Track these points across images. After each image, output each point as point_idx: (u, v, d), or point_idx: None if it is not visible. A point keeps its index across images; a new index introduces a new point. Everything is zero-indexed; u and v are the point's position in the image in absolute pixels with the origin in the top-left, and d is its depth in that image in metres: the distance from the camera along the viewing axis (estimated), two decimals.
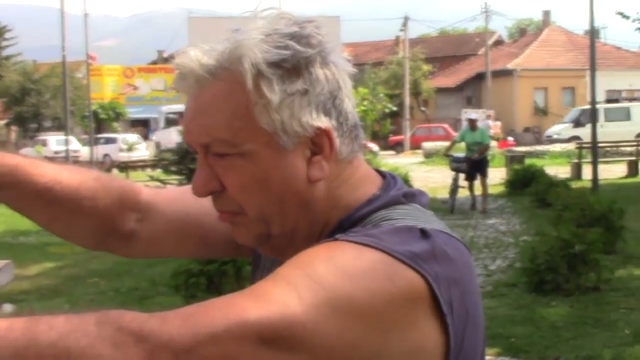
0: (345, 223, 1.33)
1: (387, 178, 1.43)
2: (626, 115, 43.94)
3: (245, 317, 1.07)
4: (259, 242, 1.38)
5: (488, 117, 44.68)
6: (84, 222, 1.58)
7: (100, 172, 1.63)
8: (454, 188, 17.99)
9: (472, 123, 17.95)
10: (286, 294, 1.10)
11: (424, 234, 1.23)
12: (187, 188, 1.46)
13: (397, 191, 1.38)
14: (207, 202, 1.40)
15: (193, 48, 1.30)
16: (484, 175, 18.01)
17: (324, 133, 1.30)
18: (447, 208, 17.67)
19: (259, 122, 1.27)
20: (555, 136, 43.71)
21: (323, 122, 1.29)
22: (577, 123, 44.65)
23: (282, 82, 1.26)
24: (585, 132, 45.41)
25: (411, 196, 1.38)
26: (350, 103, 1.35)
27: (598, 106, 45.63)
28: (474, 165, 17.79)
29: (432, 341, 1.20)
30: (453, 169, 18.35)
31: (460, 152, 19.06)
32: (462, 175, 18.11)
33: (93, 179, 1.58)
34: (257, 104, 1.26)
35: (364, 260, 1.15)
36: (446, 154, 19.51)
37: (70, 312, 1.08)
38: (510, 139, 45.57)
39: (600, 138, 20.99)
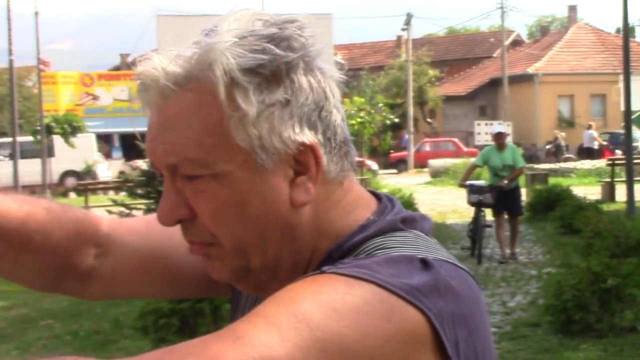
0: (335, 253, 1.34)
1: (383, 201, 1.43)
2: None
3: None
4: (236, 277, 1.38)
5: (590, 126, 44.29)
6: (33, 260, 1.56)
7: (51, 202, 1.62)
8: (477, 230, 15.21)
9: (500, 139, 15.16)
10: (267, 335, 1.10)
11: (425, 264, 1.24)
12: (154, 217, 1.45)
13: (394, 216, 1.38)
14: (176, 233, 1.40)
15: (157, 54, 1.31)
16: (517, 212, 15.57)
17: (308, 149, 1.30)
18: (472, 258, 15.21)
19: (234, 138, 1.27)
20: None
21: (307, 137, 1.30)
22: None
23: (259, 92, 1.27)
24: None
25: (411, 221, 1.39)
26: (339, 115, 1.36)
27: None
28: (503, 197, 14.94)
29: None
30: (473, 203, 15.51)
31: (475, 179, 17.15)
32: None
33: (44, 209, 1.57)
34: (232, 118, 1.27)
35: (356, 295, 1.16)
36: (463, 184, 15.99)
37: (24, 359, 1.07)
38: (619, 152, 43.92)
39: None
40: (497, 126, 17.02)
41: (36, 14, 39.90)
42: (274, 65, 1.27)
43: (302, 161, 1.31)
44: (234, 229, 1.31)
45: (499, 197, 14.85)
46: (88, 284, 1.64)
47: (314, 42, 1.33)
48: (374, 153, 56.62)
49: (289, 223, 1.33)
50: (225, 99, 1.26)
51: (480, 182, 16.30)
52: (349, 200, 1.38)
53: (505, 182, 14.72)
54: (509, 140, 40.15)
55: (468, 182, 15.83)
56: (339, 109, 1.36)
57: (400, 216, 1.38)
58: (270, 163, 1.29)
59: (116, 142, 56.14)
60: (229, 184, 1.29)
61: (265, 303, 1.18)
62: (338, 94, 1.36)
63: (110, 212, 16.99)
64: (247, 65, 1.26)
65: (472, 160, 17.73)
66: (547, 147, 49.22)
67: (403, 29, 59.75)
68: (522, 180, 27.27)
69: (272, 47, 1.27)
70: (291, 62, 1.29)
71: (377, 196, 1.45)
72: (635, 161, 21.01)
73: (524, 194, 23.52)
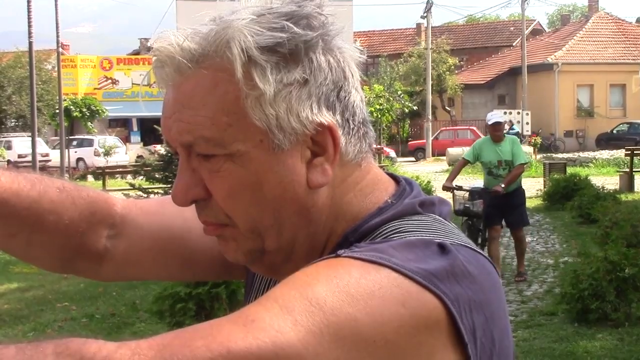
0: (352, 236, 1.32)
1: (402, 184, 1.41)
2: None
3: (231, 347, 1.06)
4: (251, 258, 1.36)
5: None
6: (46, 240, 1.55)
7: (65, 181, 1.61)
8: None
9: (496, 130, 11.97)
10: (280, 319, 1.09)
11: (442, 249, 1.22)
12: (168, 198, 1.44)
13: (412, 199, 1.36)
14: (191, 214, 1.38)
15: (174, 31, 1.29)
16: (518, 224, 12.28)
17: (326, 130, 1.28)
18: None
19: (251, 117, 1.25)
20: None
21: (325, 117, 1.28)
22: None
23: (277, 71, 1.25)
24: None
25: (429, 205, 1.37)
26: (358, 95, 1.34)
27: None
28: (499, 202, 11.78)
29: None
30: (457, 212, 12.29)
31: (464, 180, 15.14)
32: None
33: (57, 189, 1.56)
34: (249, 97, 1.25)
35: (371, 279, 1.14)
36: (448, 186, 12.27)
37: (31, 341, 1.06)
38: None
39: None
40: (496, 114, 13.18)
41: None
42: (292, 44, 1.25)
43: (319, 142, 1.29)
44: (249, 210, 1.30)
45: (493, 203, 11.81)
46: (101, 264, 1.62)
47: (333, 20, 1.31)
48: (392, 140, 56.61)
49: (305, 205, 1.31)
50: (242, 77, 1.24)
51: (475, 184, 13.49)
52: (367, 182, 1.37)
53: (502, 185, 11.54)
54: (527, 130, 38.98)
55: (456, 184, 12.48)
56: (358, 89, 1.34)
57: (419, 199, 1.37)
58: (287, 143, 1.27)
59: (134, 127, 56.32)
60: (245, 164, 1.27)
61: (279, 286, 1.16)
62: (357, 74, 1.34)
63: (127, 195, 17.02)
64: (264, 43, 1.24)
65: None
66: None
67: (423, 17, 59.55)
68: (539, 170, 27.09)
69: (291, 25, 1.25)
70: (310, 41, 1.26)
71: (396, 179, 1.43)
72: None
73: (542, 184, 23.47)
